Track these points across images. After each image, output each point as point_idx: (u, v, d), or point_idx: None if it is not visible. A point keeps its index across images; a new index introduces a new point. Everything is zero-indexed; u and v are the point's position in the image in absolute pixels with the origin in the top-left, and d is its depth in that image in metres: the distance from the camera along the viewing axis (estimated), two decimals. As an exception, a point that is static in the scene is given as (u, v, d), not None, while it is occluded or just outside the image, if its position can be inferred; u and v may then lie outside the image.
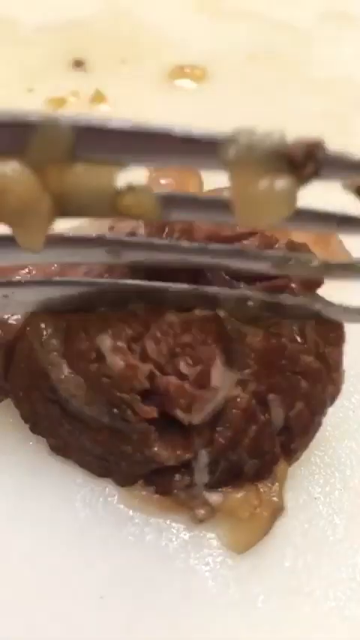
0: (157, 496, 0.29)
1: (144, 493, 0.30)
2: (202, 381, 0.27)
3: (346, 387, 0.30)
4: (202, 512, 0.29)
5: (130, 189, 0.23)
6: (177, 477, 0.29)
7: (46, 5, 0.54)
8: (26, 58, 0.49)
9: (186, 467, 0.28)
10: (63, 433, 0.29)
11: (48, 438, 0.30)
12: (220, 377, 0.27)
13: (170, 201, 0.24)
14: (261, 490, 0.29)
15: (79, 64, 0.49)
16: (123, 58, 0.51)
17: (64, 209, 0.23)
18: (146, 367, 0.27)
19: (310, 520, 0.30)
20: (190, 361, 0.27)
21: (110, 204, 0.23)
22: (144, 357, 0.27)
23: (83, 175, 0.22)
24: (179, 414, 0.27)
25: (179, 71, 0.50)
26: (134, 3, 0.56)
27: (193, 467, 0.28)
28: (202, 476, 0.29)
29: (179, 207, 0.24)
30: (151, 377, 0.27)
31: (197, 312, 0.28)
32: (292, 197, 0.22)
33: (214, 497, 0.29)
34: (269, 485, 0.29)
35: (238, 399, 0.28)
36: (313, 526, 0.30)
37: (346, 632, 0.28)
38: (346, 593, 0.29)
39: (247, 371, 0.28)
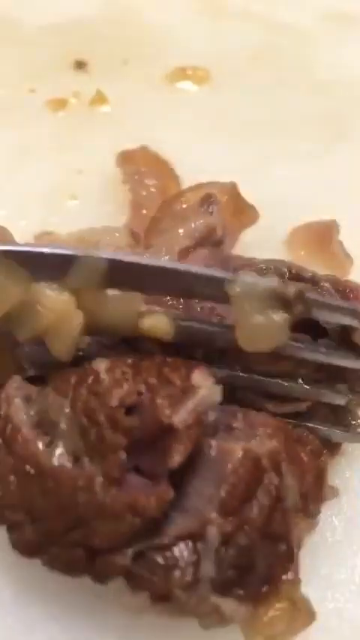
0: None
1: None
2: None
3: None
4: (211, 621, 0.25)
5: (150, 313, 0.28)
6: (176, 572, 0.24)
7: (48, 6, 0.54)
8: (28, 58, 0.49)
9: (188, 556, 0.24)
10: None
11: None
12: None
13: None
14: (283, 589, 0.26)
15: (80, 65, 0.49)
16: (125, 59, 0.51)
17: (93, 326, 0.27)
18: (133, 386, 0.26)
19: (309, 522, 0.30)
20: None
21: (132, 325, 0.28)
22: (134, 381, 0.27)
23: (112, 300, 0.27)
24: (163, 414, 0.25)
25: (181, 73, 0.50)
26: (136, 4, 0.56)
27: (199, 551, 0.24)
28: (208, 566, 0.24)
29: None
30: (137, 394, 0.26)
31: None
32: (284, 329, 0.27)
33: (227, 605, 0.25)
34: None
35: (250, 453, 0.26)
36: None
37: (345, 633, 0.28)
38: (345, 594, 0.29)
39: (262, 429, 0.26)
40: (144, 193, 0.39)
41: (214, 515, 0.25)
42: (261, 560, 0.25)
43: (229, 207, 0.36)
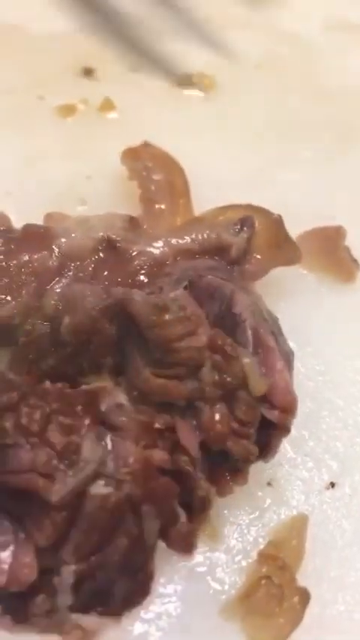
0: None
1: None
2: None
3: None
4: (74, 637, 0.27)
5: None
6: (37, 600, 0.26)
7: (57, 13, 0.55)
8: (37, 65, 0.49)
9: (46, 587, 0.26)
10: None
11: None
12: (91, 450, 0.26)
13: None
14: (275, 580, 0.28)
15: (88, 71, 0.50)
16: (132, 66, 0.51)
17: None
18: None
19: (319, 524, 0.30)
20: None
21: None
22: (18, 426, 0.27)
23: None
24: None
25: (188, 79, 0.50)
26: (143, 11, 0.57)
27: (55, 586, 0.26)
28: (65, 598, 0.26)
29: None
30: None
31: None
32: None
33: (89, 620, 0.27)
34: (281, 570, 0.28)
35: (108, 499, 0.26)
36: (322, 530, 0.30)
37: (355, 634, 0.28)
38: (355, 596, 0.29)
39: (124, 469, 0.26)
40: (153, 188, 0.39)
41: (68, 557, 0.26)
42: (120, 588, 0.27)
43: (265, 236, 0.36)
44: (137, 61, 0.52)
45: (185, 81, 0.51)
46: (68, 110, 0.47)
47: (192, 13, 0.58)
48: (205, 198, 0.42)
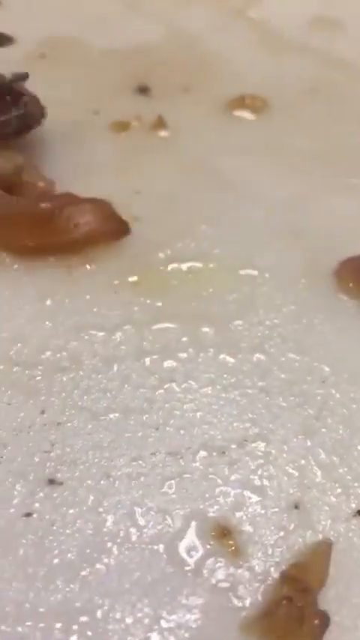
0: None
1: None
2: None
3: None
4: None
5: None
6: None
7: (115, 31, 0.56)
8: (94, 81, 0.51)
9: None
10: None
11: None
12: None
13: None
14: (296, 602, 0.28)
15: (143, 89, 0.51)
16: (185, 86, 0.53)
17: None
18: None
19: (344, 551, 0.30)
20: None
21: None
22: None
23: None
24: None
25: (240, 101, 0.51)
26: (198, 33, 0.58)
27: None
28: None
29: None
30: None
31: None
32: None
33: None
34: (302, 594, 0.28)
35: None
36: (347, 557, 0.30)
37: (373, 664, 0.28)
38: (375, 626, 0.29)
39: None
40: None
41: None
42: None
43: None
44: (190, 80, 0.53)
45: (237, 102, 0.51)
46: (122, 126, 0.48)
47: (246, 36, 0.59)
48: (251, 219, 0.43)
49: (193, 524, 0.30)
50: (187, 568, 0.29)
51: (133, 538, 0.30)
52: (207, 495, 0.31)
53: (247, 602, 0.29)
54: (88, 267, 0.39)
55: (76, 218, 0.38)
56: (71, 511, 0.30)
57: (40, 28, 0.49)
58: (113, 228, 0.40)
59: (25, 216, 0.38)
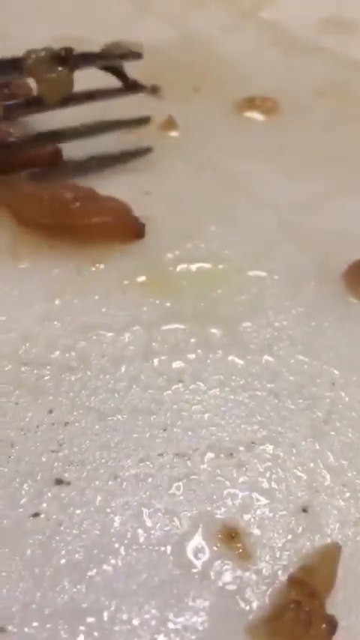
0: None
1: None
2: None
3: None
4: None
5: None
6: None
7: (126, 32, 0.56)
8: (105, 80, 0.51)
9: None
10: None
11: None
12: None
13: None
14: (304, 606, 0.27)
15: (154, 89, 0.51)
16: (196, 86, 0.53)
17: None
18: None
19: (352, 555, 0.30)
20: None
21: None
22: None
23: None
24: None
25: (250, 102, 0.51)
26: (209, 34, 0.58)
27: None
28: None
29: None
30: None
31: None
32: (69, 79, 0.42)
33: None
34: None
35: None
36: (355, 562, 0.30)
37: (381, 669, 0.28)
38: (383, 631, 0.29)
39: None
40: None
41: None
42: None
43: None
44: (200, 81, 0.53)
45: (247, 103, 0.51)
46: (132, 125, 0.48)
47: (257, 36, 0.59)
48: (261, 220, 0.43)
49: (201, 526, 0.30)
50: (194, 570, 0.29)
51: (141, 539, 0.30)
52: (215, 497, 0.31)
53: (254, 605, 0.29)
54: (97, 267, 0.39)
55: (96, 212, 0.39)
56: (78, 511, 0.30)
57: (50, 30, 0.49)
58: (129, 229, 0.40)
59: (48, 197, 0.39)
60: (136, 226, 0.40)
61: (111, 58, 0.44)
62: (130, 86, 0.45)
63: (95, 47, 0.54)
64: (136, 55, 0.44)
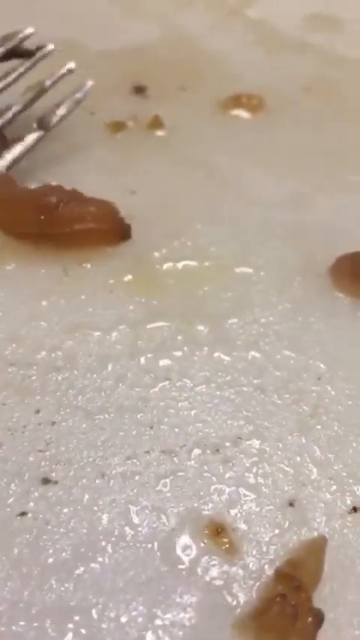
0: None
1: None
2: None
3: None
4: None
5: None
6: None
7: (110, 32, 0.57)
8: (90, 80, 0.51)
9: None
10: None
11: None
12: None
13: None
14: (290, 600, 0.28)
15: (139, 89, 0.51)
16: (181, 85, 0.53)
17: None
18: None
19: (339, 548, 0.30)
20: None
21: None
22: None
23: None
24: None
25: (236, 100, 0.51)
26: (196, 32, 0.58)
27: None
28: None
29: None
30: None
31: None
32: None
33: None
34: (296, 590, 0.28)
35: None
36: (342, 554, 0.30)
37: (368, 662, 0.28)
38: (371, 622, 0.29)
39: None
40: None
41: None
42: None
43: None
44: (187, 80, 0.53)
45: (233, 101, 0.51)
46: (118, 126, 0.48)
47: (243, 34, 0.59)
48: (247, 217, 0.43)
49: (188, 522, 0.30)
50: (182, 566, 0.29)
51: (128, 537, 0.30)
52: (201, 493, 0.31)
53: (242, 600, 0.29)
54: (83, 267, 0.39)
55: (80, 214, 0.39)
56: (66, 510, 0.30)
57: (37, 31, 0.49)
58: (114, 230, 0.40)
59: (31, 204, 0.38)
60: (121, 229, 0.40)
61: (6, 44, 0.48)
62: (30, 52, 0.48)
63: (82, 47, 0.55)
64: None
